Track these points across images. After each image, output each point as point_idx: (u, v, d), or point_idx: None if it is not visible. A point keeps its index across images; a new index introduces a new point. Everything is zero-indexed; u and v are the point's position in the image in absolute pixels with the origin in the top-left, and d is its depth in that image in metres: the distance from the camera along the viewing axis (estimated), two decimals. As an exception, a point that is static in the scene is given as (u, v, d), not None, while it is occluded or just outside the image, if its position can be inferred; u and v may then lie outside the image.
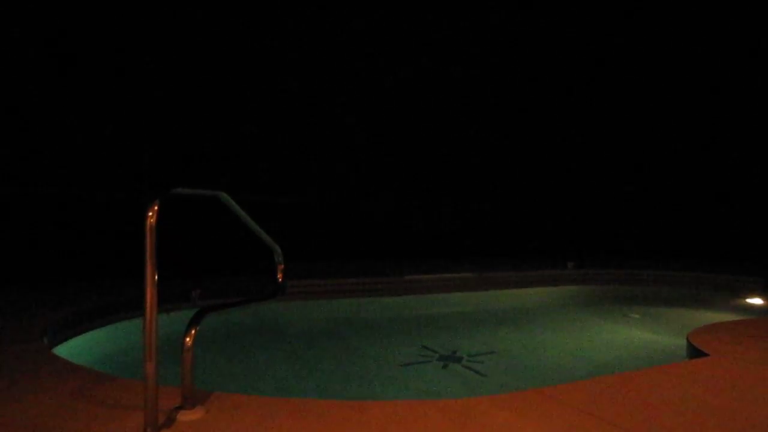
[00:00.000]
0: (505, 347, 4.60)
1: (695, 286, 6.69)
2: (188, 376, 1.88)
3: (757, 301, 5.97)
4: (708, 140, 9.05)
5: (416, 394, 3.31)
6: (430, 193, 8.93)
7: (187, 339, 1.85)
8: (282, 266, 2.32)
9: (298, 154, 7.77)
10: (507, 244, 9.36)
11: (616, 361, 4.23)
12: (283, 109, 7.55)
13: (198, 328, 1.87)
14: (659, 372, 2.63)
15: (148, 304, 1.64)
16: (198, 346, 1.90)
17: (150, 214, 1.63)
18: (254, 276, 5.56)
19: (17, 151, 5.54)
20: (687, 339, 3.35)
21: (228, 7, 6.94)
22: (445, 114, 8.94)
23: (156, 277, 1.65)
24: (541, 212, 9.78)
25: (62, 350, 3.19)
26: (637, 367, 2.84)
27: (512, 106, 9.49)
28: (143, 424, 1.68)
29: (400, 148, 8.59)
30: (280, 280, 2.32)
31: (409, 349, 4.34)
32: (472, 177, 9.30)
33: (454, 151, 9.08)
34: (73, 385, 2.22)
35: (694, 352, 3.10)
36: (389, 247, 8.26)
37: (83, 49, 5.90)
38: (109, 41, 6.07)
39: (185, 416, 1.85)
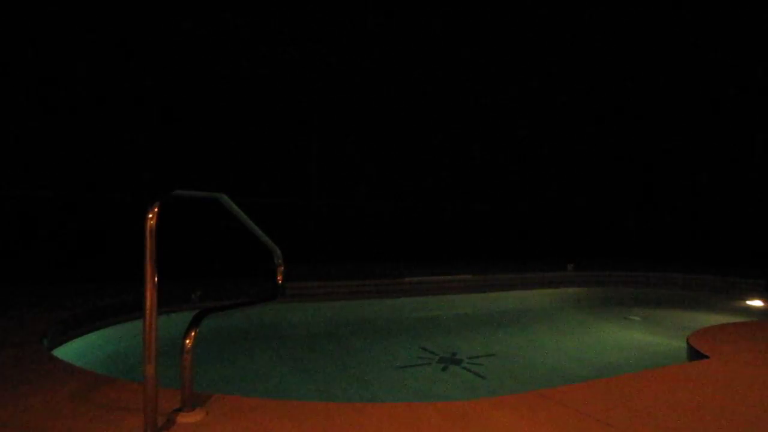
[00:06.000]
0: (504, 349, 4.59)
1: (696, 289, 6.68)
2: (188, 378, 1.87)
3: (757, 303, 5.97)
4: (707, 140, 9.06)
5: (416, 396, 3.30)
6: (430, 195, 8.93)
7: (187, 341, 1.85)
8: (282, 268, 2.32)
9: (298, 156, 7.78)
10: (507, 245, 9.36)
11: (616, 363, 4.22)
12: (284, 109, 7.56)
13: (198, 330, 1.87)
14: (659, 374, 2.63)
15: (148, 306, 1.64)
16: (198, 348, 1.89)
17: (150, 216, 1.63)
18: (254, 278, 5.56)
19: (17, 153, 5.55)
20: (687, 341, 3.35)
21: (227, 8, 6.95)
22: (445, 116, 8.95)
23: (156, 279, 1.65)
24: (541, 214, 9.78)
25: (62, 352, 3.19)
26: (638, 369, 2.83)
27: (512, 107, 9.49)
28: (143, 426, 1.68)
29: (399, 150, 8.59)
30: (279, 281, 2.32)
31: (408, 351, 4.33)
32: (472, 179, 9.31)
33: (454, 152, 9.08)
34: (72, 387, 2.22)
35: (695, 355, 3.10)
36: (388, 249, 8.26)
37: (82, 48, 5.91)
38: (108, 41, 6.08)
39: (185, 418, 1.85)
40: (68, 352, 3.31)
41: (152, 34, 6.38)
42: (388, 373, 3.80)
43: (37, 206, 5.60)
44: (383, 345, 4.72)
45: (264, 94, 7.37)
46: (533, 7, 8.94)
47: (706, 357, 2.95)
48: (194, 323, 1.87)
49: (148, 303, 1.64)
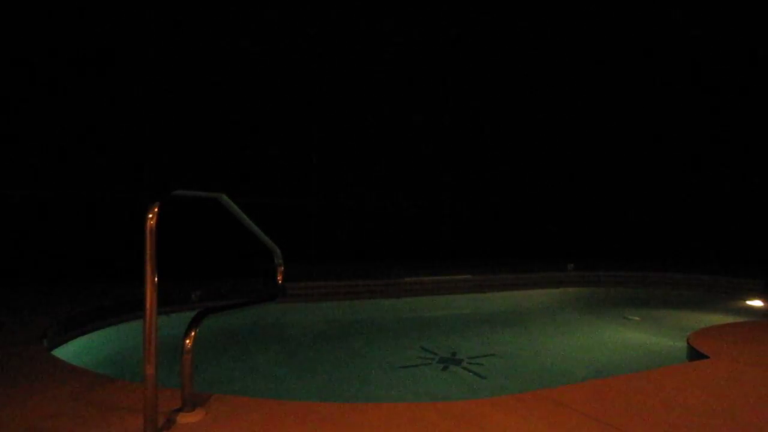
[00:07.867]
0: (504, 349, 4.59)
1: (695, 289, 6.68)
2: (188, 378, 1.87)
3: (756, 303, 5.97)
4: (707, 140, 9.06)
5: (416, 396, 3.31)
6: (430, 194, 8.93)
7: (187, 341, 1.85)
8: (282, 268, 2.32)
9: (297, 156, 7.78)
10: (507, 245, 9.36)
11: (616, 363, 4.22)
12: (284, 109, 7.55)
13: (198, 330, 1.87)
14: (659, 374, 2.63)
15: (147, 306, 1.64)
16: (198, 348, 1.89)
17: (150, 216, 1.63)
18: (254, 278, 5.55)
19: (18, 152, 5.54)
20: (687, 341, 3.35)
21: (227, 8, 6.95)
22: (444, 115, 8.95)
23: (156, 279, 1.65)
24: (541, 214, 9.78)
25: (62, 352, 3.19)
26: (637, 369, 2.83)
27: (511, 106, 9.49)
28: (143, 426, 1.68)
29: (399, 149, 8.59)
30: (279, 281, 2.32)
31: (408, 351, 4.33)
32: (471, 178, 9.31)
33: (453, 152, 9.08)
34: (72, 387, 2.22)
35: (694, 354, 3.10)
36: (389, 249, 8.26)
37: (83, 48, 5.91)
38: (109, 40, 6.08)
39: (185, 418, 1.85)
40: (68, 352, 3.31)
41: (152, 32, 6.38)
42: (388, 373, 3.81)
43: (37, 206, 5.60)
44: (383, 345, 4.71)
45: (264, 93, 7.37)
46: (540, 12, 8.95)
47: (706, 357, 2.95)
48: (194, 323, 1.87)
49: (148, 303, 1.64)
